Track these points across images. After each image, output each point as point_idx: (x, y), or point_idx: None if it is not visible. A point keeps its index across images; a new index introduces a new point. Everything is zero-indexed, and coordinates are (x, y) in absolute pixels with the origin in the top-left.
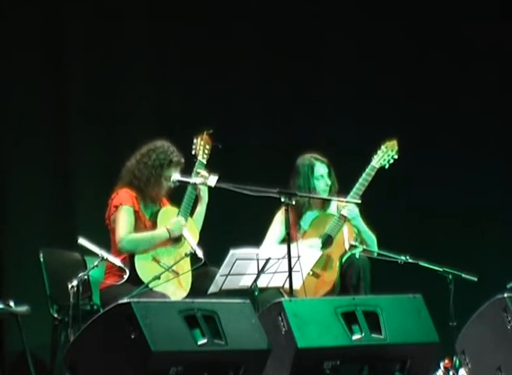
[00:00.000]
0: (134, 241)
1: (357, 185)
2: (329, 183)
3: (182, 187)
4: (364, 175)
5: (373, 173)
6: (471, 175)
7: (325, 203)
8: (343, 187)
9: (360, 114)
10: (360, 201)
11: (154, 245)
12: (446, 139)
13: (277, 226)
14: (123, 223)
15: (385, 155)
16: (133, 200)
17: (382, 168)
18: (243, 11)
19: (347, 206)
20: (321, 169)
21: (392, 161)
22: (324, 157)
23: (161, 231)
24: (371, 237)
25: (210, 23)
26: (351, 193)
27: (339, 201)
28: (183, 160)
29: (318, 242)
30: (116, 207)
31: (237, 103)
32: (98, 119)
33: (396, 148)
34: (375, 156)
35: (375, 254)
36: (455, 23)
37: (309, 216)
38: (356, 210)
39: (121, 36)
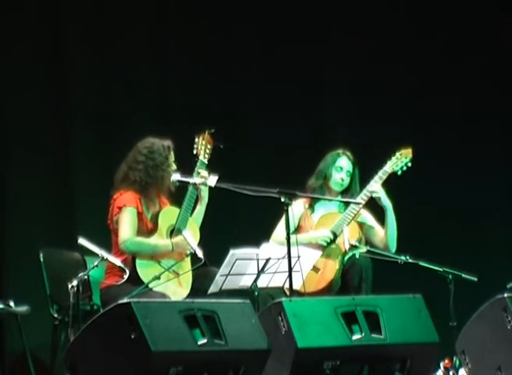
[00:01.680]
0: (138, 244)
1: (368, 187)
2: (346, 179)
3: (182, 187)
4: (375, 178)
5: (384, 177)
6: (472, 175)
7: (341, 196)
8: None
9: (360, 114)
10: (361, 202)
11: (156, 254)
12: (446, 139)
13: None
14: (128, 224)
15: (398, 161)
16: (136, 201)
17: (394, 174)
18: (244, 10)
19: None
20: (343, 162)
21: (405, 168)
22: (355, 158)
23: (166, 243)
24: (393, 219)
25: (210, 23)
26: (361, 194)
27: (340, 201)
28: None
29: (328, 233)
30: (120, 208)
31: (237, 103)
32: (98, 119)
33: (411, 155)
34: (388, 162)
35: (392, 246)
36: (461, 20)
37: (323, 204)
38: (382, 191)
39: (121, 36)
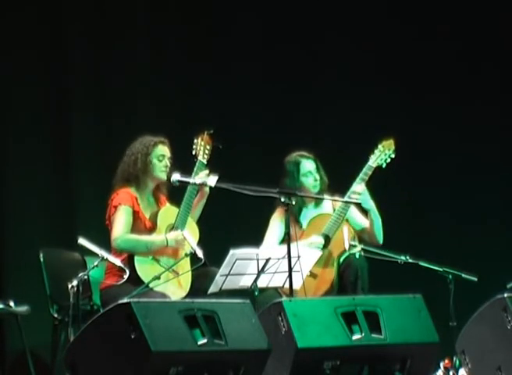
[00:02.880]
0: (130, 242)
1: (352, 187)
2: (318, 178)
3: (181, 187)
4: (361, 174)
5: (370, 173)
6: (472, 174)
7: (317, 199)
8: (341, 186)
9: (360, 113)
10: (357, 201)
11: (151, 251)
12: (446, 138)
13: (276, 226)
14: (120, 222)
15: (382, 154)
16: (132, 200)
17: (379, 167)
18: (244, 10)
19: (356, 194)
20: (307, 165)
21: (389, 160)
22: (311, 153)
23: (159, 239)
24: (378, 219)
25: (210, 23)
26: (348, 192)
27: (336, 200)
28: (165, 140)
29: (319, 239)
30: (116, 207)
31: (237, 103)
32: (98, 119)
33: (393, 147)
34: (372, 156)
35: (380, 240)
36: (463, 19)
37: (305, 213)
38: (366, 193)
39: (121, 36)
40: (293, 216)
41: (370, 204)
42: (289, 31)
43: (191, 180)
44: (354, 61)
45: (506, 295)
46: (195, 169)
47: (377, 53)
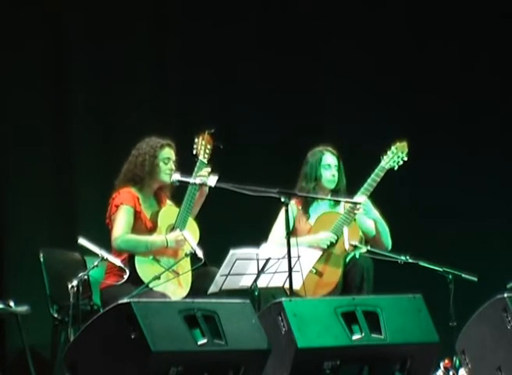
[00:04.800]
0: (130, 242)
1: (366, 185)
2: (336, 174)
3: (182, 186)
4: (372, 175)
5: (382, 174)
6: (472, 174)
7: (332, 193)
8: (351, 186)
9: (361, 113)
10: (362, 202)
11: (151, 251)
12: (447, 138)
13: (283, 220)
14: (121, 222)
15: (394, 156)
16: (134, 201)
17: (391, 169)
18: (244, 10)
19: (359, 206)
20: (329, 158)
21: (401, 162)
22: (336, 151)
23: (159, 239)
24: (385, 228)
25: (210, 23)
26: (359, 193)
27: (344, 201)
28: (172, 143)
29: (331, 234)
30: (117, 206)
31: (237, 103)
32: (98, 119)
33: (406, 149)
34: (384, 157)
35: (388, 246)
36: (462, 20)
37: (316, 208)
38: (368, 204)
39: (121, 36)
40: (303, 207)
41: (374, 214)
42: (290, 31)
43: (191, 180)
44: (358, 61)
45: (506, 295)
46: (196, 168)
47: (381, 54)
